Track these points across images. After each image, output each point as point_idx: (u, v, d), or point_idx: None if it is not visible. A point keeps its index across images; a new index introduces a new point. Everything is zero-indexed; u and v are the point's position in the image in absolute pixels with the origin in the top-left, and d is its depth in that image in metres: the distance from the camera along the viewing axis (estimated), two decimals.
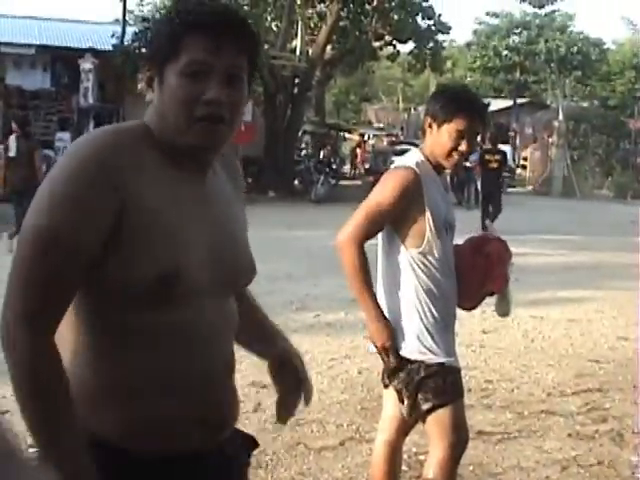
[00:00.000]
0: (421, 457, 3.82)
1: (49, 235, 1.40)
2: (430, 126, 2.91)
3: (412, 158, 2.93)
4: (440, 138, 2.88)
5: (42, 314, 1.41)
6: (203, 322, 1.52)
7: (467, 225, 5.97)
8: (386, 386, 3.06)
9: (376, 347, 2.92)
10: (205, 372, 1.53)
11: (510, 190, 21.81)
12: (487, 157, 15.15)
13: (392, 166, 3.05)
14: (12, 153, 10.29)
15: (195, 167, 1.56)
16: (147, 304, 1.46)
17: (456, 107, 2.86)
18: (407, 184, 2.82)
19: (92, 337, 1.49)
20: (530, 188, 27.59)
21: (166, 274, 1.44)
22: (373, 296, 2.88)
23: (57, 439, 1.41)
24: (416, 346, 2.86)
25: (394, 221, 2.87)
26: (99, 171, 1.41)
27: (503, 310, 3.31)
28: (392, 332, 2.86)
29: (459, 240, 3.11)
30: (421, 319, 2.86)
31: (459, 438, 2.95)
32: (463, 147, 2.86)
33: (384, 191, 2.86)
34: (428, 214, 2.83)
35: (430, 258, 2.87)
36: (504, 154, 15.95)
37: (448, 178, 3.80)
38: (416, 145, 3.16)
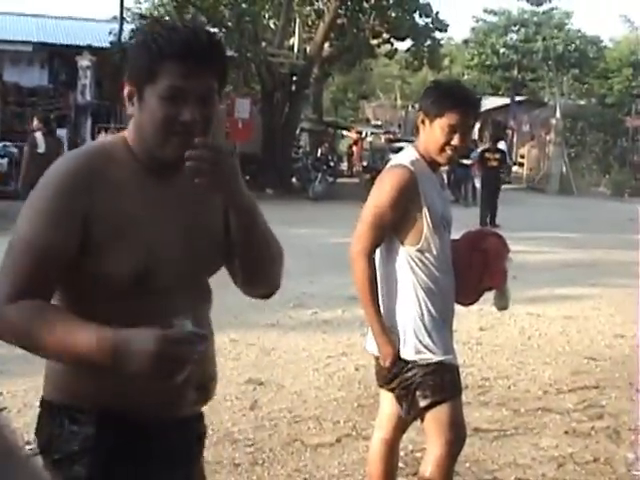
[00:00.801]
0: (418, 454, 3.83)
1: (32, 245, 1.61)
2: (423, 122, 2.91)
3: (406, 156, 2.93)
4: (433, 133, 2.87)
5: (25, 292, 1.59)
6: (170, 309, 1.63)
7: (465, 222, 5.96)
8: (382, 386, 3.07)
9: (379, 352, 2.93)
10: None
11: (506, 187, 21.79)
12: (487, 155, 15.38)
13: (387, 165, 3.04)
14: (41, 149, 10.30)
15: (169, 172, 1.72)
16: (119, 298, 1.64)
17: (448, 102, 2.85)
18: (403, 183, 2.82)
19: None
20: (525, 185, 27.56)
21: (138, 274, 1.64)
22: (378, 310, 2.88)
23: (89, 348, 1.54)
24: (414, 344, 2.86)
25: (393, 220, 2.87)
26: (71, 191, 1.62)
27: (501, 305, 3.32)
28: (395, 347, 2.87)
29: (456, 237, 3.12)
30: (419, 317, 2.87)
31: (457, 435, 2.95)
32: (456, 142, 2.85)
33: (381, 194, 2.87)
34: (425, 211, 2.84)
35: (428, 255, 2.87)
36: (504, 153, 16.10)
37: (445, 175, 3.80)
38: (413, 142, 3.16)
